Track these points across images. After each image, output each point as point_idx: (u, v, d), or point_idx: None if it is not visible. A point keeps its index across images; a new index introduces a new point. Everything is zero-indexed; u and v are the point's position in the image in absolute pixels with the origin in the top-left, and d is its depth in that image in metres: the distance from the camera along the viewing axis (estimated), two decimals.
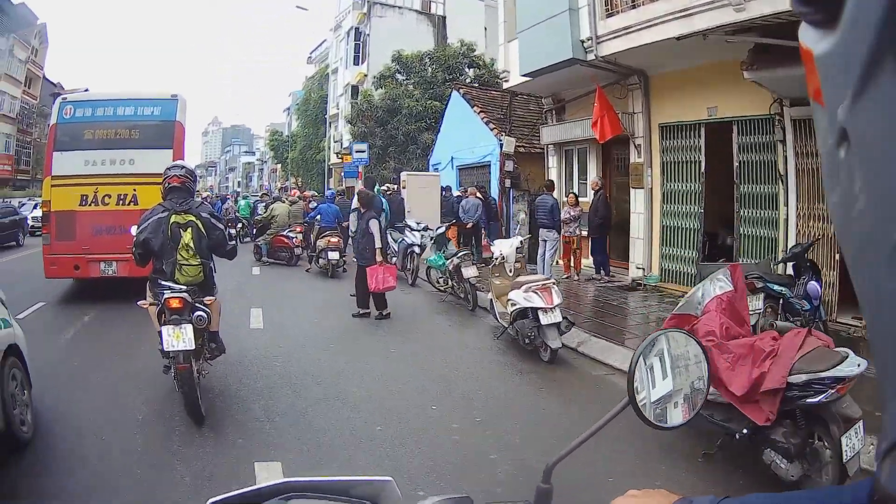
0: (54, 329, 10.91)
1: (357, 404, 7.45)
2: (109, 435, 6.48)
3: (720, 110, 13.02)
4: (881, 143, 0.55)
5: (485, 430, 6.73)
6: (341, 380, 8.43)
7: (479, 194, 19.16)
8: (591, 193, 16.16)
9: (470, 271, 12.90)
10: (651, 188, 15.20)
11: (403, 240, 16.89)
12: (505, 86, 19.56)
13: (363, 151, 28.52)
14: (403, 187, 21.69)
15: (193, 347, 6.65)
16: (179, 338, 6.56)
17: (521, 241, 12.20)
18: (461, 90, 25.69)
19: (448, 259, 13.60)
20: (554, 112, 18.92)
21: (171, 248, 7.04)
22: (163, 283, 6.98)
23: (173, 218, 7.08)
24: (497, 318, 10.60)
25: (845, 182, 0.61)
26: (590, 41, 13.96)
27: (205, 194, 37.25)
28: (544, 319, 9.03)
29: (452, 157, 25.34)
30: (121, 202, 12.87)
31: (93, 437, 6.43)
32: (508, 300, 9.70)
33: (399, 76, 32.08)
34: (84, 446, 6.22)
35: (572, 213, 15.76)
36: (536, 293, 9.21)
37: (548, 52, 15.10)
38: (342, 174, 36.51)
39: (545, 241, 15.44)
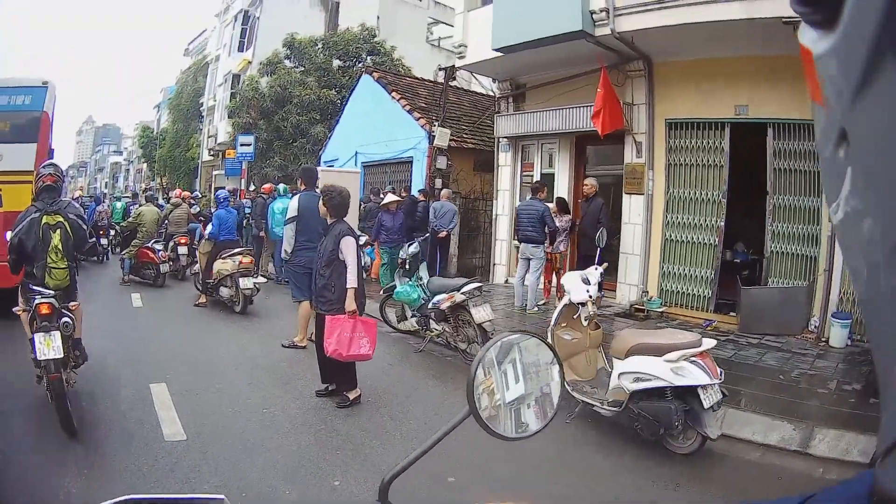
0: None
1: None
2: None
3: (752, 110, 10.84)
4: (880, 143, 0.51)
5: None
6: None
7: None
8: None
9: (483, 312, 8.76)
10: (651, 194, 12.20)
11: None
12: (458, 63, 15.39)
13: (248, 145, 24.07)
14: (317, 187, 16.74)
15: (62, 355, 6.17)
16: (50, 345, 6.07)
17: (602, 273, 7.83)
18: (374, 74, 20.80)
19: (436, 292, 9.35)
20: (511, 100, 14.96)
21: (41, 250, 6.64)
22: (33, 287, 6.57)
23: (44, 219, 6.69)
24: (573, 394, 6.65)
25: (844, 183, 0.58)
26: (603, 13, 11.06)
27: (76, 194, 32.06)
28: (707, 400, 5.67)
29: (357, 153, 20.36)
30: None
31: None
32: (625, 373, 6.06)
33: (288, 63, 27.26)
34: None
35: (559, 225, 12.03)
36: (697, 363, 5.73)
37: (542, 23, 11.65)
38: (222, 172, 32.01)
39: (528, 259, 11.75)
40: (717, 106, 11.06)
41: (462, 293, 8.85)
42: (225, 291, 12.64)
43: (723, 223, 11.26)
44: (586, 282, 7.02)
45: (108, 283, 16.08)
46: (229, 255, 12.56)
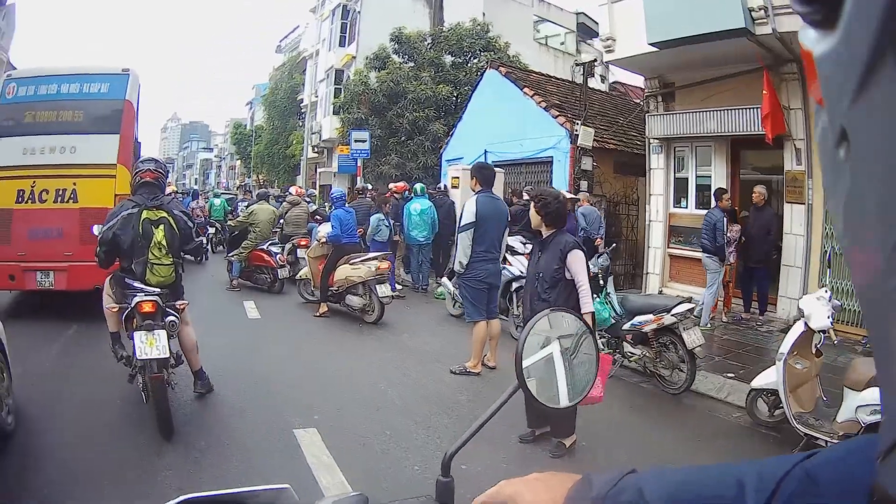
0: None
1: None
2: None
3: None
4: (881, 143, 0.51)
5: None
6: None
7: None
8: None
9: (695, 336, 7.83)
10: (812, 204, 11.65)
11: (504, 269, 10.29)
12: (606, 58, 14.57)
13: (364, 141, 23.10)
14: (454, 186, 16.39)
15: (168, 356, 6.13)
16: (153, 344, 5.97)
17: (828, 293, 6.75)
18: (501, 69, 20.21)
19: (634, 311, 8.28)
20: (661, 99, 14.42)
21: (142, 246, 6.56)
22: (132, 283, 6.47)
23: (145, 214, 6.61)
24: (797, 427, 6.20)
25: (845, 183, 0.58)
26: (762, 11, 10.71)
27: (168, 190, 32.28)
28: None
29: (486, 151, 19.42)
30: (59, 199, 10.69)
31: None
32: (864, 405, 5.58)
33: (396, 58, 26.79)
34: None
35: (729, 235, 11.39)
36: None
37: (703, 18, 11.16)
38: (328, 169, 32.40)
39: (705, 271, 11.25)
40: None
41: (673, 315, 7.90)
42: (355, 300, 11.74)
43: None
44: (836, 308, 6.44)
45: (211, 286, 15.16)
46: (361, 261, 11.69)
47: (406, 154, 24.66)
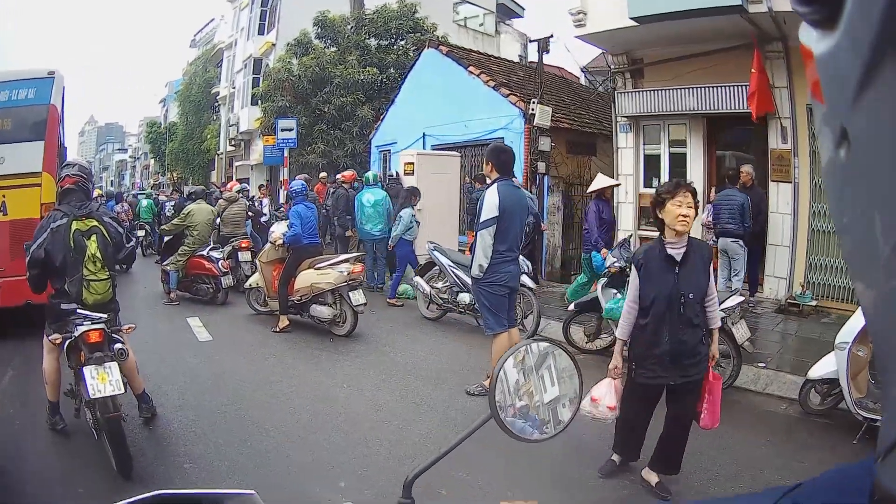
0: None
1: None
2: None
3: None
4: (881, 142, 0.52)
5: None
6: None
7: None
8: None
9: (743, 331, 7.33)
10: (798, 182, 11.44)
11: None
12: (577, 33, 13.25)
13: (291, 129, 20.95)
14: (407, 173, 14.55)
15: (124, 391, 5.30)
16: (105, 380, 5.17)
17: None
18: (442, 48, 18.99)
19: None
20: (629, 76, 13.50)
21: (75, 261, 5.68)
22: (73, 310, 5.59)
23: (75, 225, 5.73)
24: (859, 413, 6.02)
25: (845, 182, 0.59)
26: None
27: (94, 194, 30.67)
28: None
29: (425, 135, 18.39)
30: None
31: None
32: None
33: (318, 42, 25.57)
34: None
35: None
36: None
37: None
38: (245, 163, 31.51)
39: (725, 254, 10.69)
40: None
41: (722, 310, 6.58)
42: (324, 311, 10.01)
43: None
44: None
45: (145, 299, 13.00)
46: (329, 264, 10.02)
47: (332, 142, 23.62)
